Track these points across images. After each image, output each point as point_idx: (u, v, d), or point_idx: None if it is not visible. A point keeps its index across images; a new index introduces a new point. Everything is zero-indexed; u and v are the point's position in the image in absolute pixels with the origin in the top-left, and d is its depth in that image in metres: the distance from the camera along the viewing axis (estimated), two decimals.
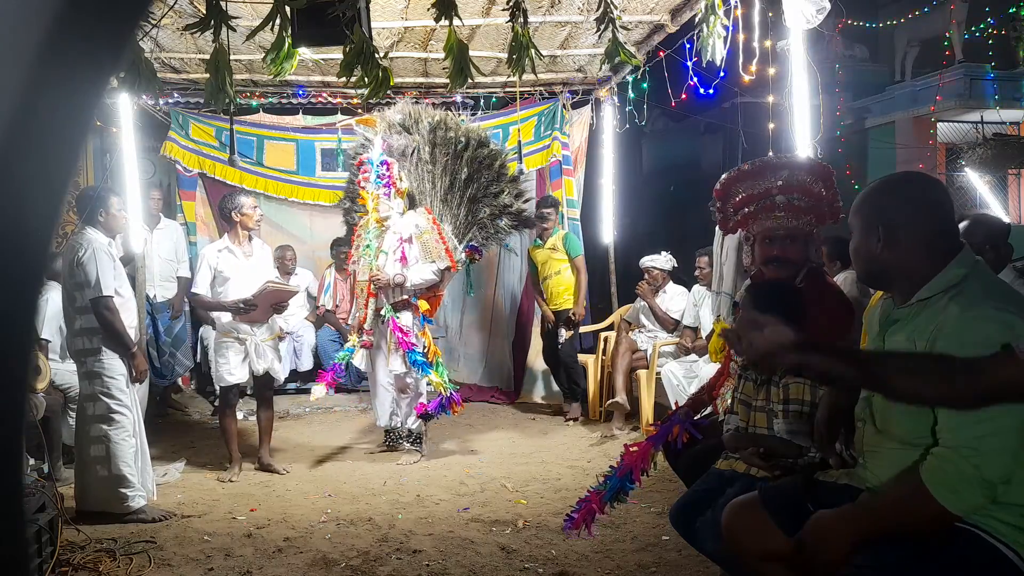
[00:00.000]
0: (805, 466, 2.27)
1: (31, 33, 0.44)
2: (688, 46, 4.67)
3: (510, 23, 3.59)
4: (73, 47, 0.46)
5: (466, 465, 4.85)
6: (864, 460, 1.84)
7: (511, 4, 3.54)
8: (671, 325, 5.78)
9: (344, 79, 3.22)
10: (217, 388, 5.09)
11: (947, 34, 9.63)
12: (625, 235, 7.84)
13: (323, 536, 3.61)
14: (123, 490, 3.83)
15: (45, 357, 4.69)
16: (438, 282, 5.02)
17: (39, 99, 0.45)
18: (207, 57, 3.91)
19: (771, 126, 4.45)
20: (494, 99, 6.87)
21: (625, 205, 8.76)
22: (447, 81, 3.63)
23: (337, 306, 6.80)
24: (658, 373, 5.41)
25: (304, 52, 3.98)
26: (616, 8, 3.86)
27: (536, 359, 6.76)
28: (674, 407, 3.92)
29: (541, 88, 6.73)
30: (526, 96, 6.60)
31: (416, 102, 5.61)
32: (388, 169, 4.89)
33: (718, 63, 4.07)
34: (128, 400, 3.92)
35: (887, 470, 1.74)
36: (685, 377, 5.20)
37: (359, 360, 4.97)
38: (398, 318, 4.83)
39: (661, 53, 5.43)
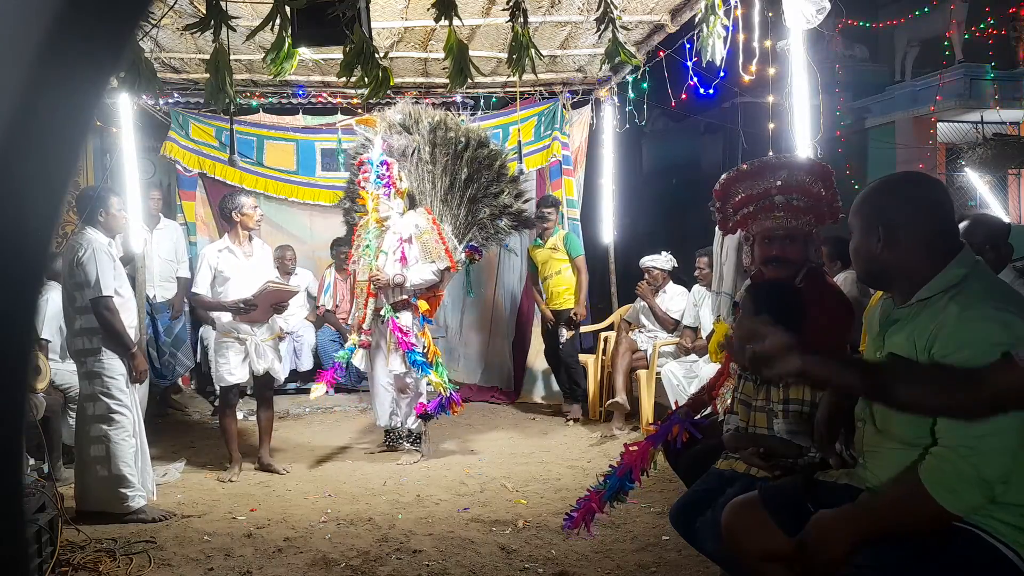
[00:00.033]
0: (805, 466, 2.27)
1: (31, 33, 0.44)
2: (688, 46, 4.67)
3: (510, 23, 3.59)
4: (73, 47, 0.46)
5: (466, 465, 4.85)
6: (864, 460, 1.84)
7: (511, 4, 3.54)
8: (671, 325, 5.78)
9: (344, 79, 3.22)
10: (217, 388, 5.09)
11: (947, 34, 9.63)
12: (625, 235, 7.84)
13: (323, 536, 3.61)
14: (123, 490, 3.83)
15: (45, 357, 4.69)
16: (438, 282, 5.02)
17: (39, 99, 0.45)
18: (207, 57, 3.91)
19: (771, 126, 4.44)
20: (494, 99, 6.87)
21: (625, 205, 8.76)
22: (447, 81, 3.63)
23: (337, 306, 6.81)
24: (658, 373, 5.41)
25: (304, 52, 3.98)
26: (616, 8, 3.86)
27: (536, 359, 6.76)
28: (674, 407, 3.92)
29: (541, 88, 6.73)
30: (526, 96, 6.60)
31: (416, 102, 5.61)
32: (388, 169, 4.89)
33: (718, 63, 4.07)
34: (128, 400, 3.92)
35: (887, 470, 1.74)
36: (685, 377, 5.20)
37: (359, 360, 4.98)
38: (398, 318, 4.83)
39: (661, 53, 5.43)
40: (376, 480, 4.55)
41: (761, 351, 1.49)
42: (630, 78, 6.04)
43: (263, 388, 4.83)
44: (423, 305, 4.92)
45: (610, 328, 6.34)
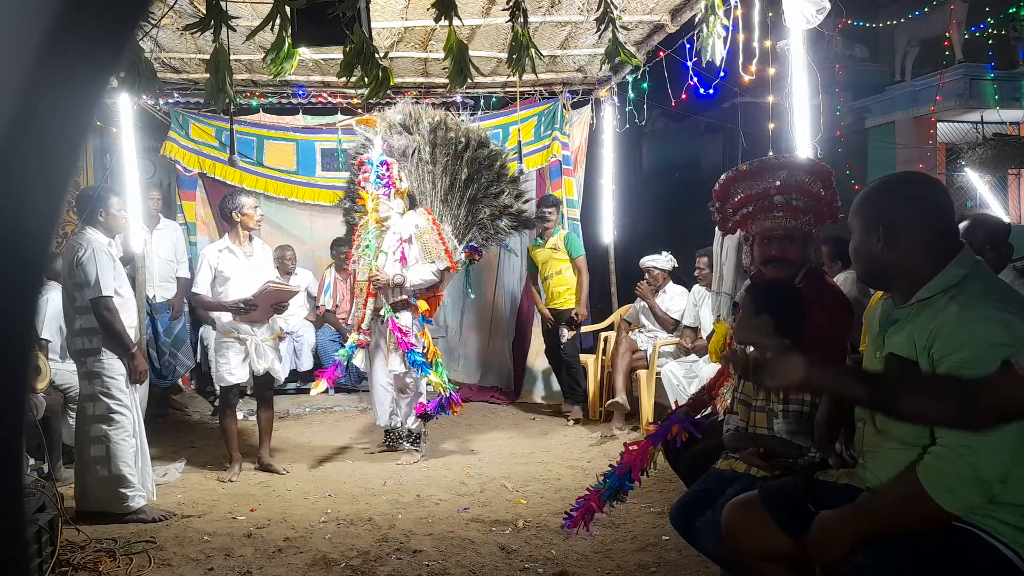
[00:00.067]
0: (805, 466, 2.27)
1: (31, 33, 0.44)
2: (688, 46, 4.67)
3: (510, 23, 3.59)
4: (73, 47, 0.46)
5: (466, 465, 4.85)
6: (864, 460, 1.84)
7: (511, 4, 3.54)
8: (671, 325, 5.78)
9: (344, 79, 3.22)
10: (217, 388, 5.09)
11: (948, 34, 9.63)
12: (625, 235, 7.84)
13: (323, 536, 3.61)
14: (123, 490, 3.83)
15: (45, 357, 4.69)
16: (438, 282, 5.02)
17: (39, 99, 0.45)
18: (207, 57, 3.91)
19: (771, 126, 4.44)
20: (494, 99, 6.87)
21: (625, 205, 8.76)
22: (447, 81, 3.63)
23: (337, 306, 6.81)
24: (658, 373, 5.41)
25: (304, 52, 3.98)
26: (616, 8, 3.86)
27: (536, 359, 6.76)
28: (674, 407, 3.92)
29: (541, 88, 6.73)
30: (526, 96, 6.60)
31: (416, 102, 5.61)
32: (388, 169, 4.89)
33: (718, 63, 4.07)
34: (128, 400, 3.92)
35: (887, 470, 1.74)
36: (685, 377, 5.20)
37: (359, 360, 4.98)
38: (397, 318, 4.83)
39: (661, 53, 5.43)
40: (376, 480, 4.55)
41: (764, 363, 1.50)
42: (630, 78, 6.04)
43: (263, 388, 4.83)
44: (423, 305, 4.92)
45: (610, 328, 6.34)
